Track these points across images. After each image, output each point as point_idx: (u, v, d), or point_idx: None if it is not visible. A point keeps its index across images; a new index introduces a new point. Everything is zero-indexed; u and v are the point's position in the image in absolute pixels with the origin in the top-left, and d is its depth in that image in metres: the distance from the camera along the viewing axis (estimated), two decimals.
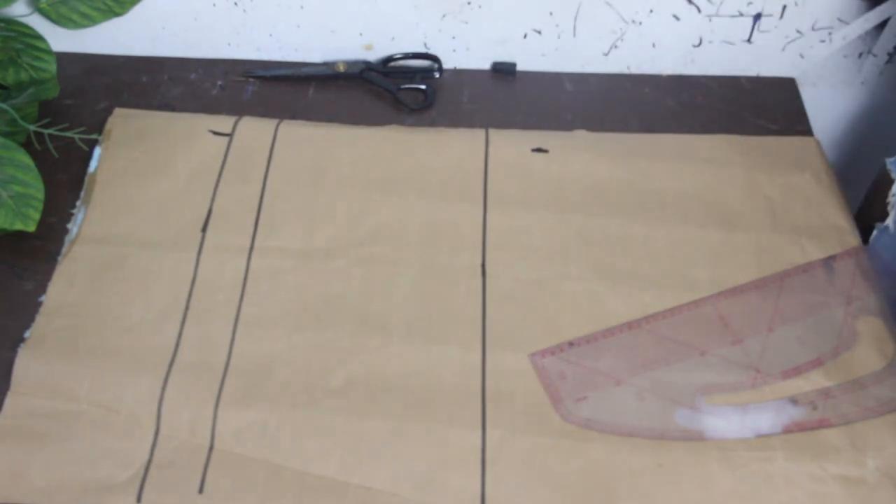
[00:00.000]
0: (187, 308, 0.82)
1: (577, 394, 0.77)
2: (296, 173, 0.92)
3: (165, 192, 0.91)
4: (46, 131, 0.90)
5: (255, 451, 0.74)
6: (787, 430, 0.74)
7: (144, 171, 0.93)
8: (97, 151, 0.94)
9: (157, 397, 0.76)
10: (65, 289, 0.83)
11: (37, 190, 0.84)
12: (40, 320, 0.81)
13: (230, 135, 0.95)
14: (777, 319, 0.81)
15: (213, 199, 0.90)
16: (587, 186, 0.91)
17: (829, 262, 0.84)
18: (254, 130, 0.96)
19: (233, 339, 0.80)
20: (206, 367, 0.78)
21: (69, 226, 0.88)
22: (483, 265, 0.85)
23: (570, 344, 0.80)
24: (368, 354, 0.79)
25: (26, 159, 0.84)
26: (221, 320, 0.81)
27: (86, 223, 0.88)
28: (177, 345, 0.80)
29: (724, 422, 0.75)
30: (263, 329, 0.81)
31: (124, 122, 0.97)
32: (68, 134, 0.90)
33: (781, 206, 0.90)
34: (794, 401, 0.76)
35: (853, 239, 0.87)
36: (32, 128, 0.91)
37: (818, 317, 0.81)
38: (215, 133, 0.96)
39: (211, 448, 0.74)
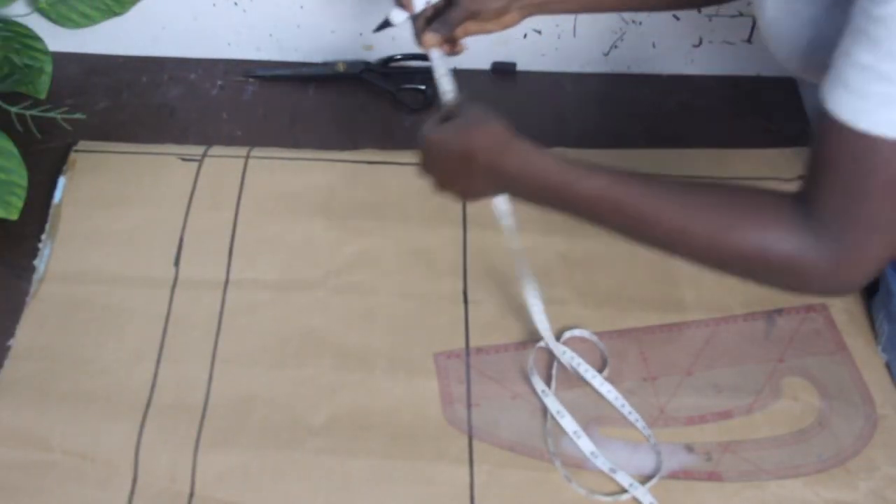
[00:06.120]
0: (162, 347, 0.80)
1: (471, 399, 0.76)
2: (269, 200, 0.90)
3: (134, 222, 0.88)
4: (28, 112, 0.88)
5: (238, 496, 0.72)
6: (673, 476, 0.73)
7: (111, 200, 0.90)
8: (61, 182, 0.91)
9: (134, 443, 0.74)
10: (34, 331, 0.81)
11: (19, 177, 0.81)
12: (9, 365, 0.79)
13: (199, 160, 0.93)
14: (700, 363, 0.79)
15: (183, 229, 0.88)
16: None
17: (772, 316, 0.82)
18: (224, 157, 0.93)
19: (210, 379, 0.78)
20: (183, 408, 0.76)
21: (35, 262, 0.86)
22: (465, 292, 0.84)
23: (479, 350, 0.79)
24: (351, 390, 0.77)
25: (9, 146, 0.81)
26: (198, 359, 0.79)
27: (53, 259, 0.85)
28: (153, 386, 0.77)
29: (611, 455, 0.73)
30: (242, 367, 0.79)
31: (88, 152, 0.94)
32: (50, 114, 0.89)
33: None
34: (689, 448, 0.74)
35: None
36: (15, 110, 0.88)
37: (743, 368, 0.79)
38: (184, 158, 0.93)
39: (192, 495, 0.72)
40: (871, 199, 0.54)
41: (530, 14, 0.80)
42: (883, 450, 0.74)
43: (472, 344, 0.80)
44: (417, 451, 0.74)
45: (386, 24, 0.79)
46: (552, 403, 0.75)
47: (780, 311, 0.82)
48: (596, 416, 0.76)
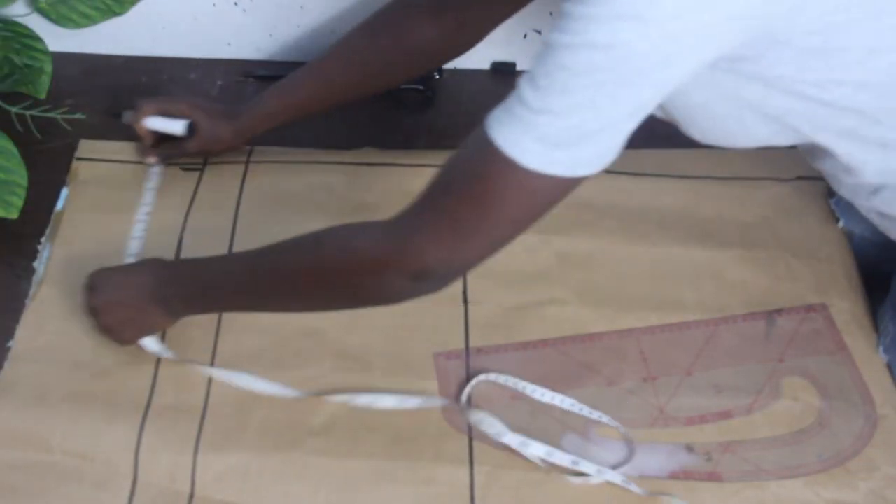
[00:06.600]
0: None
1: (471, 400, 0.76)
2: (269, 202, 0.90)
3: (134, 225, 0.88)
4: (29, 113, 0.89)
5: (237, 497, 0.72)
6: (673, 476, 0.73)
7: (112, 206, 0.90)
8: (64, 192, 0.91)
9: (134, 443, 0.74)
10: (34, 333, 0.81)
11: (20, 177, 0.82)
12: (9, 366, 0.79)
13: (200, 168, 0.93)
14: (700, 364, 0.79)
15: (183, 230, 0.88)
16: (567, 206, 0.89)
17: (772, 316, 0.82)
18: (225, 160, 0.94)
19: (210, 379, 0.78)
20: (183, 409, 0.76)
21: (35, 264, 0.85)
22: (465, 292, 0.84)
23: (479, 350, 0.79)
24: (351, 390, 0.77)
25: (9, 145, 0.82)
26: (198, 360, 0.79)
27: (53, 262, 0.85)
28: (152, 387, 0.77)
29: (610, 455, 0.73)
30: (242, 368, 0.78)
31: (90, 161, 0.94)
32: (50, 114, 0.89)
33: (764, 219, 0.89)
34: (689, 448, 0.74)
35: (839, 249, 0.87)
36: (15, 110, 0.89)
37: (743, 368, 0.79)
38: (185, 168, 0.93)
39: (191, 495, 0.72)
40: (457, 198, 0.58)
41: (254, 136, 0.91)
42: (883, 450, 0.74)
43: (472, 344, 0.80)
44: (417, 451, 0.74)
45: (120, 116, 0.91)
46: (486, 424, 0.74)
47: (780, 311, 0.82)
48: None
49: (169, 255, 0.86)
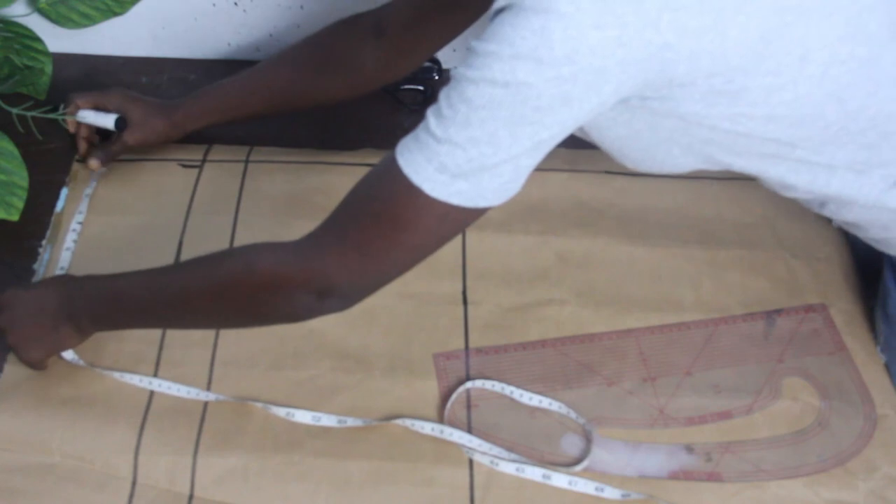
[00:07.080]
0: (161, 350, 0.80)
1: (471, 401, 0.76)
2: (268, 203, 0.90)
3: (134, 227, 0.88)
4: (30, 114, 0.89)
5: (237, 498, 0.72)
6: (673, 476, 0.73)
7: (112, 207, 0.90)
8: (64, 192, 0.91)
9: (134, 445, 0.74)
10: None
11: (20, 178, 0.81)
12: (9, 369, 0.78)
13: (199, 166, 0.93)
14: (699, 364, 0.79)
15: (183, 232, 0.88)
16: (566, 207, 0.90)
17: (772, 316, 0.82)
18: (224, 159, 0.94)
19: (210, 381, 0.78)
20: (183, 411, 0.76)
21: (35, 266, 0.85)
22: (464, 292, 0.84)
23: (478, 351, 0.79)
24: (350, 391, 0.77)
25: (10, 146, 0.82)
26: (197, 361, 0.79)
27: (52, 264, 0.85)
28: (152, 390, 0.77)
29: (610, 456, 0.73)
30: (241, 368, 0.79)
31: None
32: (51, 116, 0.89)
33: (764, 218, 0.89)
34: (689, 448, 0.74)
35: (838, 249, 0.87)
36: (16, 111, 0.89)
37: (743, 369, 0.79)
38: (184, 165, 0.93)
39: (191, 497, 0.72)
40: (362, 219, 0.59)
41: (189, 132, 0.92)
42: (883, 450, 0.74)
43: (472, 345, 0.80)
44: (417, 452, 0.74)
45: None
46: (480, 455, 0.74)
47: (779, 312, 0.82)
48: (596, 417, 0.76)
49: (169, 256, 0.86)
